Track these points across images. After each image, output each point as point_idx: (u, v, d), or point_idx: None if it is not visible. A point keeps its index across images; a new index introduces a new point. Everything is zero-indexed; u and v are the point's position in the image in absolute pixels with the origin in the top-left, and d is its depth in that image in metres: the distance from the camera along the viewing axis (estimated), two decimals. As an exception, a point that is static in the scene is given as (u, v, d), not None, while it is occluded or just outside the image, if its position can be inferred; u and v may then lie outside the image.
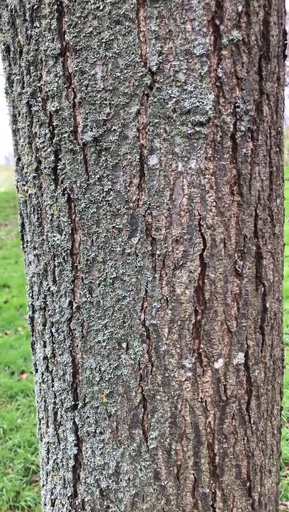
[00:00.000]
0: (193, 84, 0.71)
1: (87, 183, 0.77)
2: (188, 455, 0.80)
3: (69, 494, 0.89)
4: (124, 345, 0.79)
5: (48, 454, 0.95)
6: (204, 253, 0.75)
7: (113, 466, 0.83)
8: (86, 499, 0.87)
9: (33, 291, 0.91)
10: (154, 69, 0.70)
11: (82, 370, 0.83)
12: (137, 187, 0.74)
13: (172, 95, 0.71)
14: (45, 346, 0.90)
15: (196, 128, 0.72)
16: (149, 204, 0.74)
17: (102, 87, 0.73)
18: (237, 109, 0.73)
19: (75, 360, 0.84)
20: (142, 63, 0.71)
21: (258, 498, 0.87)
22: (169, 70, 0.70)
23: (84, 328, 0.82)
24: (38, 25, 0.76)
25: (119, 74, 0.72)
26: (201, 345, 0.77)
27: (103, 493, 0.85)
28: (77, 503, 0.89)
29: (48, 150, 0.80)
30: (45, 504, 0.99)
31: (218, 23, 0.70)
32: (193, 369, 0.78)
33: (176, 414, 0.79)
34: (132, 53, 0.70)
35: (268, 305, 0.83)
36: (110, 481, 0.84)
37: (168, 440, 0.79)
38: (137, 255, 0.76)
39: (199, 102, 0.71)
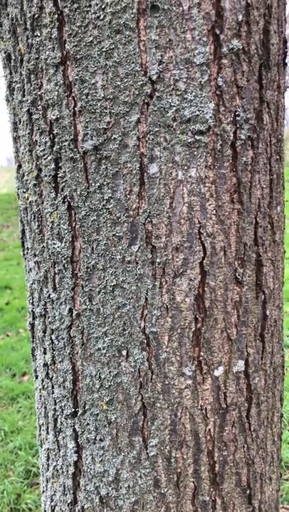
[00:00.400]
0: (194, 93, 0.71)
1: (87, 191, 0.77)
2: (188, 463, 0.80)
3: (69, 501, 0.89)
4: (124, 352, 0.79)
5: (47, 460, 0.95)
6: (204, 261, 0.75)
7: (113, 474, 0.83)
8: (86, 506, 0.87)
9: (33, 298, 0.91)
10: (154, 78, 0.71)
11: (82, 377, 0.83)
12: (137, 195, 0.75)
13: (172, 104, 0.71)
14: (45, 353, 0.90)
15: (196, 136, 0.72)
16: (149, 212, 0.74)
17: (102, 95, 0.73)
18: (237, 118, 0.73)
19: (75, 367, 0.84)
20: (142, 72, 0.71)
21: (258, 506, 0.87)
22: (169, 79, 0.71)
23: (84, 336, 0.82)
24: (39, 34, 0.76)
25: (119, 83, 0.72)
26: (201, 353, 0.77)
27: (103, 500, 0.85)
28: (76, 510, 0.89)
29: (49, 158, 0.80)
30: (45, 510, 0.99)
31: (218, 32, 0.70)
32: (193, 377, 0.78)
33: (176, 422, 0.79)
34: (132, 62, 0.71)
35: (268, 312, 0.83)
36: (110, 489, 0.84)
37: (168, 448, 0.79)
38: (137, 263, 0.76)
39: (199, 110, 0.71)
